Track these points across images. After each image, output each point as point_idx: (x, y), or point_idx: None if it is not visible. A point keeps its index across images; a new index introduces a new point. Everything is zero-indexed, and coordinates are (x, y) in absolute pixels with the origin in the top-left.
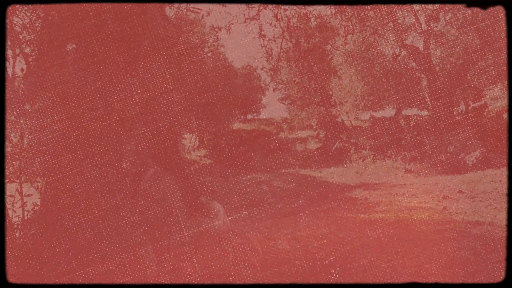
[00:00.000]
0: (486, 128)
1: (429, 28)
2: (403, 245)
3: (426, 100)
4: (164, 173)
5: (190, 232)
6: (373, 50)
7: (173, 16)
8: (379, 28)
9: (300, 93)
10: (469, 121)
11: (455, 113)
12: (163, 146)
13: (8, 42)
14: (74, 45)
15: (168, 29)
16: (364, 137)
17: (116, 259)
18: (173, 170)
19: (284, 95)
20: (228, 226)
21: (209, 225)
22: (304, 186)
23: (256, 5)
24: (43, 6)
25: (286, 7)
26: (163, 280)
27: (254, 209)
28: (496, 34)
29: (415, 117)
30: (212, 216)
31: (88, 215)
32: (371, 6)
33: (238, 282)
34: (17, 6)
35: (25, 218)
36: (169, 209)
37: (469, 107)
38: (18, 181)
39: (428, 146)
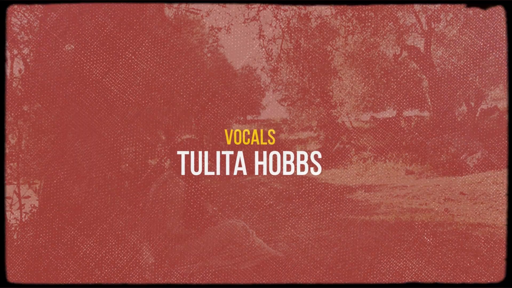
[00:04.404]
0: (487, 129)
1: (430, 28)
2: (404, 246)
3: (427, 101)
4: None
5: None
6: (374, 50)
7: (172, 17)
8: (379, 29)
9: (300, 94)
10: (470, 122)
11: (456, 114)
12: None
13: (7, 43)
14: (72, 46)
15: (167, 29)
16: (364, 138)
17: (115, 259)
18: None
19: (284, 96)
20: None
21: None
22: (304, 188)
23: (256, 6)
24: (41, 6)
25: (286, 7)
26: (162, 281)
27: (253, 211)
28: (496, 34)
29: (416, 118)
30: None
31: (87, 216)
32: (371, 6)
33: (238, 282)
34: (15, 6)
35: (23, 220)
36: (173, 210)
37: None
38: (15, 183)
39: (429, 147)
